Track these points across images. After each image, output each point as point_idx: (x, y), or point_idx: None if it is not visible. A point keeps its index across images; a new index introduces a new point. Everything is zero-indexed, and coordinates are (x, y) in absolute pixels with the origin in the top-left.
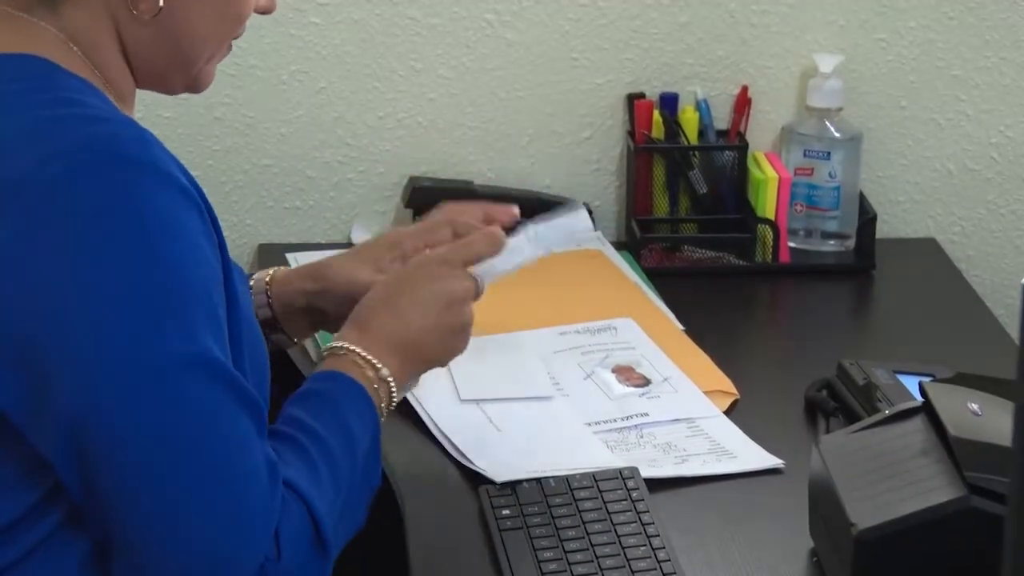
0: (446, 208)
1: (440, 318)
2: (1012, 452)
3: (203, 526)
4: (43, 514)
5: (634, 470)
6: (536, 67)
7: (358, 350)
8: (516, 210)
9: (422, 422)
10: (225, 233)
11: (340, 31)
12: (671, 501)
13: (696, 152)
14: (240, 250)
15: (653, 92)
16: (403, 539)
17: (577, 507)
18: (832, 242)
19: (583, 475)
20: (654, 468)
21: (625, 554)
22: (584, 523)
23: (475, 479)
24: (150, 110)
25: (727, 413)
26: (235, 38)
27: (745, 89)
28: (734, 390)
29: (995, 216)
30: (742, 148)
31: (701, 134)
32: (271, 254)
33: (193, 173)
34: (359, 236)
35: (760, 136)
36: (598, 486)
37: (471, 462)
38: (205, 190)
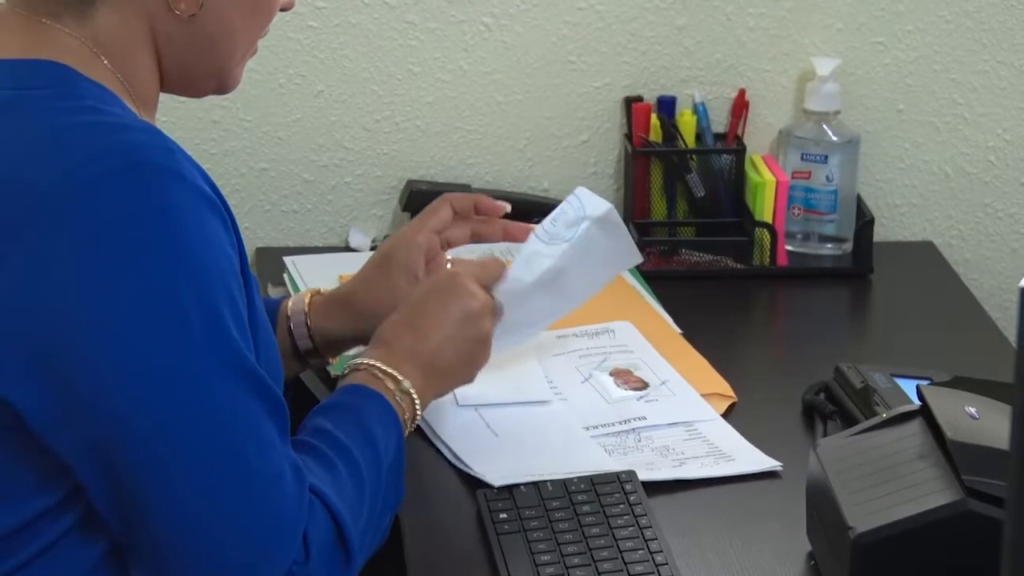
0: (441, 197)
1: (458, 331)
2: (1010, 456)
3: (233, 529)
4: (58, 517)
5: (632, 474)
6: (534, 70)
7: (379, 364)
8: (507, 206)
9: (420, 427)
10: None
11: (338, 35)
12: (669, 504)
13: (693, 155)
14: None
15: (651, 95)
16: (401, 543)
17: (575, 511)
18: (829, 245)
19: (581, 479)
20: (652, 471)
21: (623, 557)
22: (582, 527)
23: (473, 483)
24: None
25: (725, 416)
26: (262, 36)
27: (742, 92)
28: (732, 393)
29: (992, 219)
30: (739, 151)
31: (698, 137)
32: (269, 257)
33: None
34: (356, 239)
35: (757, 139)
36: (596, 490)
37: (469, 467)
38: None
